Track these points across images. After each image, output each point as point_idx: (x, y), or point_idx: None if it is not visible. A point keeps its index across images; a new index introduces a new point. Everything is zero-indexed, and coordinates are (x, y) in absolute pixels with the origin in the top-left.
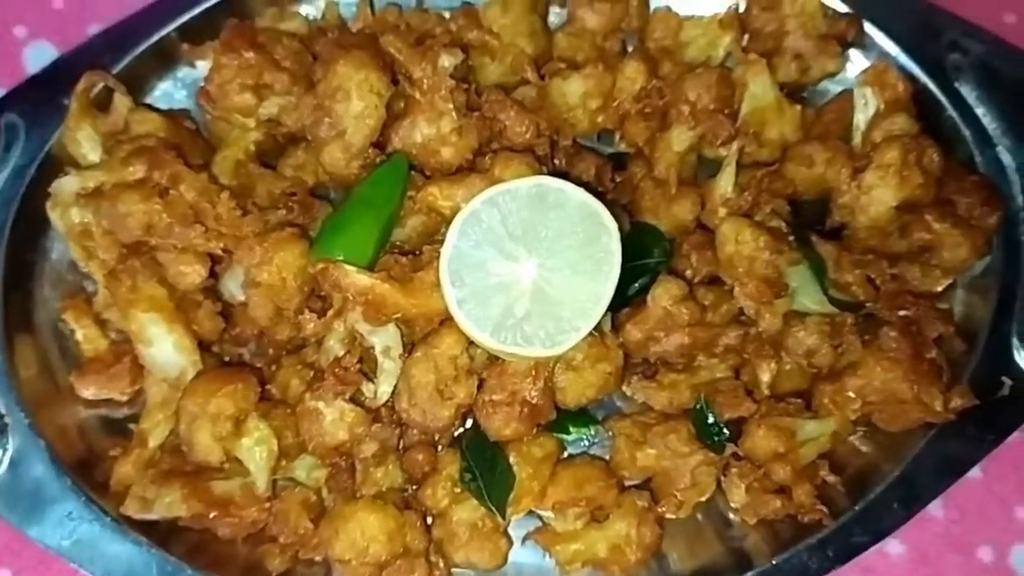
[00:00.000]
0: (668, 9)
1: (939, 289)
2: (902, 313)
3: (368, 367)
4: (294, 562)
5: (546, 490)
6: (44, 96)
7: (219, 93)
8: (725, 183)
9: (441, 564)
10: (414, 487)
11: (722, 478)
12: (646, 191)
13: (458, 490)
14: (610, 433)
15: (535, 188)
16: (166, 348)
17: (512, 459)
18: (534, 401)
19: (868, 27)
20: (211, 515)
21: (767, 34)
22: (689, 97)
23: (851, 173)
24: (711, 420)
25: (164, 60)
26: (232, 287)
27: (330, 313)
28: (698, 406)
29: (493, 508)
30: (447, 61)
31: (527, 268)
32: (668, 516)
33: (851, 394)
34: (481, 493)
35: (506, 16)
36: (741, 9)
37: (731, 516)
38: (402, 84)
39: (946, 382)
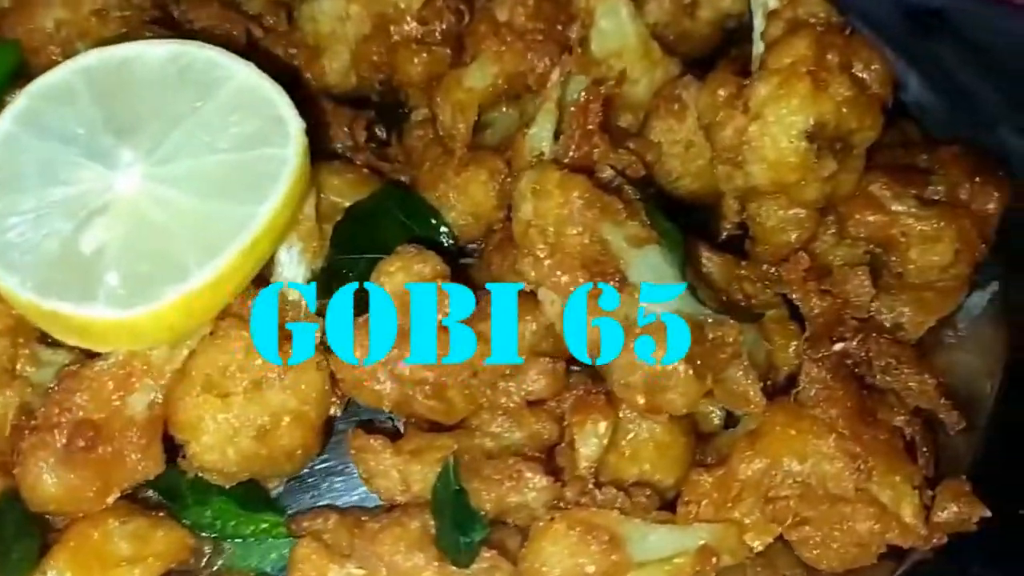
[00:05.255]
0: None
1: (904, 320)
2: (838, 347)
3: None
4: None
5: None
6: None
7: None
8: (539, 131)
9: None
10: None
11: None
12: (427, 159)
13: None
14: None
15: (169, 55)
16: None
17: None
18: None
19: None
20: None
21: None
22: (498, 16)
23: (737, 94)
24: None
25: None
26: None
27: None
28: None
29: None
30: None
31: (126, 178)
32: None
33: (745, 481)
34: None
35: None
36: None
37: None
38: None
39: (925, 469)
